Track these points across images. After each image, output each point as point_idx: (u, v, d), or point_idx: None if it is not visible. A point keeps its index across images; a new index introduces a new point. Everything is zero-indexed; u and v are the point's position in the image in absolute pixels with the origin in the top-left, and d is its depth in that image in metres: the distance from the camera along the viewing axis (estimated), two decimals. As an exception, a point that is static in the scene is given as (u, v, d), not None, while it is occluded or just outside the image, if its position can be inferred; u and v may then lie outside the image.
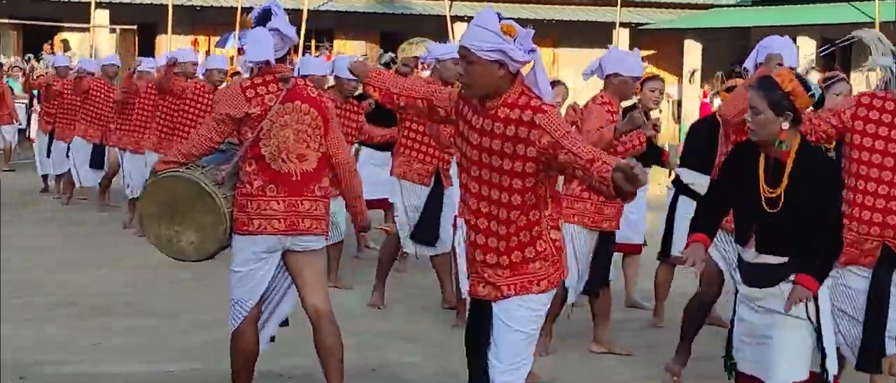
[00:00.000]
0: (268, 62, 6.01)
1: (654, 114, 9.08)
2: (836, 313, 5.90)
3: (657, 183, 14.10)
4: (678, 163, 8.97)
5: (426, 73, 10.47)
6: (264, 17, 6.05)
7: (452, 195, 8.86)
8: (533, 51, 4.68)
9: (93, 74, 15.77)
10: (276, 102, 5.97)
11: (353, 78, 10.02)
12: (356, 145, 11.06)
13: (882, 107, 6.10)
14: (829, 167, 5.24)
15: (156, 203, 6.06)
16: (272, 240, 5.98)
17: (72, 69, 16.71)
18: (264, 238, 5.97)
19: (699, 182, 8.48)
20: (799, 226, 5.12)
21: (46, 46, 30.05)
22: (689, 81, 30.85)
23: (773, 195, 5.12)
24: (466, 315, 5.11)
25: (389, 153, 11.72)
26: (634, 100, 8.70)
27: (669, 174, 9.95)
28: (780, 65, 7.37)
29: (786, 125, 5.07)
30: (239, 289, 6.07)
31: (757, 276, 5.24)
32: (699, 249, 5.22)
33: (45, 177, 17.47)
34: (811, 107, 5.41)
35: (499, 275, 4.83)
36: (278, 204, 5.96)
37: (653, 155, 9.01)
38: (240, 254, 6.03)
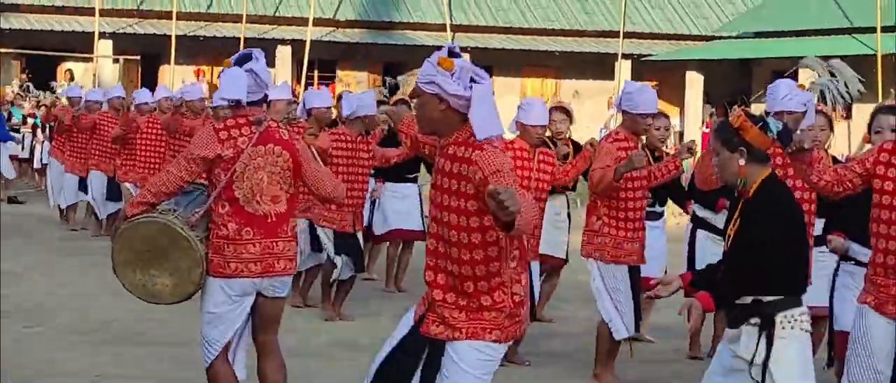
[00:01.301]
0: (239, 101, 6.04)
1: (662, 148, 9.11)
2: (862, 361, 5.66)
3: (674, 214, 14.12)
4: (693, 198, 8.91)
5: None
6: (244, 58, 6.13)
7: None
8: (473, 83, 4.65)
9: (100, 105, 15.76)
10: (248, 145, 5.99)
11: (380, 114, 10.09)
12: (372, 181, 10.98)
13: None
14: (774, 202, 5.12)
15: (131, 250, 5.99)
16: (247, 283, 6.02)
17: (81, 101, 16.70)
18: (240, 281, 6.00)
19: (712, 216, 8.45)
20: (743, 264, 5.08)
21: (22, 75, 29.99)
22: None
23: (730, 233, 5.18)
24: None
25: (412, 184, 11.74)
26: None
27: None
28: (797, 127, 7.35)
29: (742, 161, 5.13)
30: (211, 331, 6.07)
31: (729, 316, 5.22)
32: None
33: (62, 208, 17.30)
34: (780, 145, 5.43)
35: (455, 317, 4.78)
36: (255, 246, 5.99)
37: (675, 187, 9.03)
38: (215, 296, 6.03)
